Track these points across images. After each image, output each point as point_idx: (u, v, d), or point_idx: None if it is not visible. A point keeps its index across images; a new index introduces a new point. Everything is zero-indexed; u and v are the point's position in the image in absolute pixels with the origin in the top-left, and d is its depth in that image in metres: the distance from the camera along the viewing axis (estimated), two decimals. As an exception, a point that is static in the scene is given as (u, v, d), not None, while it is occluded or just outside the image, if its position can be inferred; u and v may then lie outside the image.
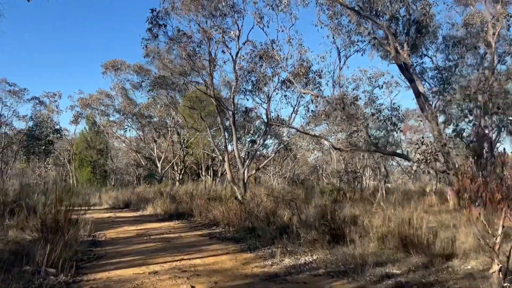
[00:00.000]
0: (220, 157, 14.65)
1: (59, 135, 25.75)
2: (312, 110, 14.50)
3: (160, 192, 16.48)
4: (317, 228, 8.07)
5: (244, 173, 14.02)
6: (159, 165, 34.46)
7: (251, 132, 28.46)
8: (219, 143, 25.07)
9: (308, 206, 10.68)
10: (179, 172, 37.68)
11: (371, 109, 12.98)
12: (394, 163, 32.17)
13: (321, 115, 14.15)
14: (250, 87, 14.41)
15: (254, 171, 14.85)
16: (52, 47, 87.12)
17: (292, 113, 14.23)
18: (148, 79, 19.94)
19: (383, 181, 19.60)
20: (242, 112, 13.81)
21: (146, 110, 34.32)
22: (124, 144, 38.21)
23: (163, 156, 34.66)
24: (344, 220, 8.50)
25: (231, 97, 13.40)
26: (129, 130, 37.41)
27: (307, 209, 10.27)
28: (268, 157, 14.88)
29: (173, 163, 36.27)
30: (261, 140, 14.63)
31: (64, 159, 33.88)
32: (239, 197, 13.71)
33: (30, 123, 24.16)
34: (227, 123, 27.42)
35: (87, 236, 8.20)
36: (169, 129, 34.96)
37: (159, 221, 11.70)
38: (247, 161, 14.11)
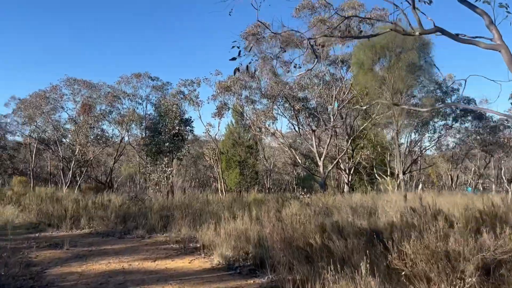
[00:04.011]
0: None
1: (188, 127, 19.57)
2: None
3: (337, 225, 7.18)
4: None
5: None
6: (320, 163, 25.44)
7: None
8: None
9: None
10: (347, 172, 28.06)
11: None
12: None
13: None
14: None
15: None
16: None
17: None
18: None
19: None
20: None
21: (301, 91, 26.09)
22: (276, 141, 31.05)
23: (324, 152, 25.59)
24: None
25: None
26: (280, 119, 29.45)
27: None
28: None
29: (338, 161, 26.98)
30: None
31: (211, 159, 28.67)
32: None
33: (154, 114, 19.08)
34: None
35: None
36: (330, 114, 25.83)
37: None
38: None
